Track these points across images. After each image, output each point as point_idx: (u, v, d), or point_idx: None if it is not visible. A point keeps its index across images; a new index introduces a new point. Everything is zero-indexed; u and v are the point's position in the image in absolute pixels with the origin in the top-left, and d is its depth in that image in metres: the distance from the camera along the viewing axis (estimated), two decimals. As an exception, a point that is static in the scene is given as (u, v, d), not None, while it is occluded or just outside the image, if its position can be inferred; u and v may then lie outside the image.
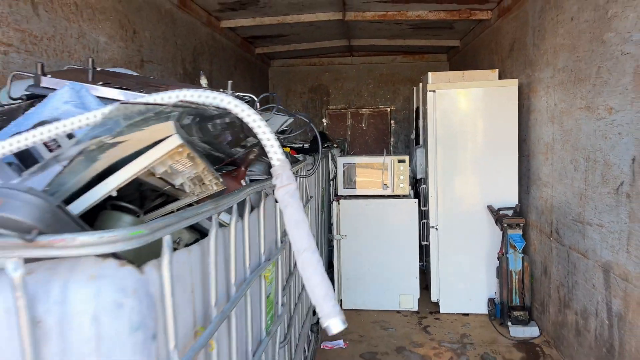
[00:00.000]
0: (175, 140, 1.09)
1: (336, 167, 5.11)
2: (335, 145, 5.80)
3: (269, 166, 2.17)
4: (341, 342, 4.12)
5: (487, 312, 4.62)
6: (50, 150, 1.20)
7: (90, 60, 1.74)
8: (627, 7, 2.78)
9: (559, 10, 3.73)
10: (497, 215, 4.41)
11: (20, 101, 1.60)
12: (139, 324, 0.92)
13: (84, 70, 1.73)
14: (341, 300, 4.90)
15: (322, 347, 4.04)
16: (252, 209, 1.74)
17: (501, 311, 4.38)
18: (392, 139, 9.19)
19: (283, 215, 1.09)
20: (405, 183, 4.84)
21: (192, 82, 5.03)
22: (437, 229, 4.74)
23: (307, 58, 9.08)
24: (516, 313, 4.21)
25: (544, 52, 4.08)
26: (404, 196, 4.87)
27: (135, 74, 2.24)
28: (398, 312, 4.78)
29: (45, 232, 0.84)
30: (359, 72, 9.25)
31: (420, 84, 5.39)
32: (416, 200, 4.82)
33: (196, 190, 1.47)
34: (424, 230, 4.94)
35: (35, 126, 1.19)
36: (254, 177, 2.08)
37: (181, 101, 1.02)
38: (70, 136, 1.21)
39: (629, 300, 2.79)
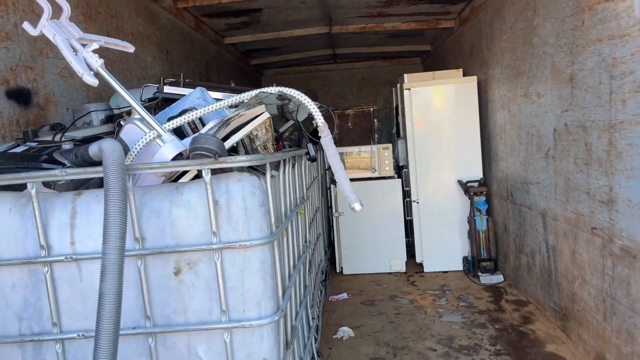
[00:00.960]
0: (266, 115, 2.00)
1: (331, 158, 6.03)
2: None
3: (298, 143, 3.10)
4: (345, 294, 5.04)
5: (462, 269, 5.57)
6: (189, 126, 2.10)
7: (181, 74, 2.64)
8: (546, 19, 3.76)
9: (502, 20, 4.72)
10: (466, 187, 5.37)
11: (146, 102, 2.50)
12: (262, 203, 1.84)
13: (177, 81, 2.63)
14: (342, 267, 5.81)
15: (330, 299, 4.94)
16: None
17: (473, 264, 5.34)
18: (376, 135, 10.16)
19: (325, 152, 2.01)
20: (390, 166, 5.78)
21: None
22: (417, 202, 5.68)
23: (297, 67, 10.02)
24: (484, 264, 5.18)
25: (494, 53, 5.06)
26: (390, 177, 5.81)
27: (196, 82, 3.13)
28: (389, 273, 5.71)
29: (221, 155, 1.75)
30: (343, 77, 10.22)
31: (398, 85, 6.34)
32: (399, 179, 5.77)
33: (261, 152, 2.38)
34: (408, 208, 5.87)
35: (182, 112, 2.10)
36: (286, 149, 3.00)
37: (278, 91, 1.93)
38: (200, 120, 2.12)
39: (557, 233, 3.76)
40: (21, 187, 1.89)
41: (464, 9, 6.04)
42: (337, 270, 5.82)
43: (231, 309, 1.82)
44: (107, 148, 1.66)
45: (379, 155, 5.80)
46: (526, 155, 4.33)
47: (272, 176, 2.28)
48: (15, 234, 1.83)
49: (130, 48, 2.16)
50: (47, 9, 1.88)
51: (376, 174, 5.80)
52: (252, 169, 2.04)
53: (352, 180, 5.68)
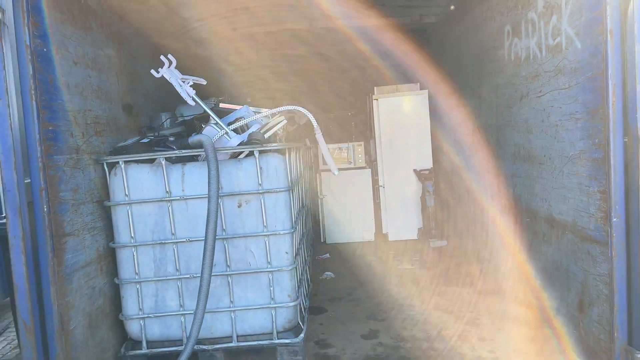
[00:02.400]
0: (284, 121, 3.54)
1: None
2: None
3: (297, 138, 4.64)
4: (327, 254, 6.58)
5: (417, 237, 7.16)
6: (240, 128, 3.61)
7: (227, 95, 4.15)
8: (467, 53, 5.35)
9: (443, 49, 6.32)
10: (419, 174, 6.95)
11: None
12: (285, 169, 3.37)
13: (225, 99, 4.12)
14: (325, 238, 7.35)
15: (316, 258, 6.47)
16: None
17: (425, 233, 6.93)
18: (354, 136, 11.72)
19: (318, 141, 3.55)
20: (362, 159, 7.34)
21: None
22: (384, 187, 7.25)
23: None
24: (433, 232, 6.77)
25: (440, 73, 6.65)
26: (362, 168, 7.36)
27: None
28: (362, 242, 7.26)
29: (263, 143, 3.28)
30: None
31: (371, 94, 7.89)
32: (370, 170, 7.33)
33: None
34: (377, 191, 7.41)
35: (235, 120, 3.63)
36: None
37: (294, 108, 3.46)
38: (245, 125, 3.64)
39: (475, 202, 5.35)
40: (151, 161, 3.39)
41: (421, 36, 7.63)
42: (322, 240, 7.35)
43: (268, 225, 3.34)
44: (205, 139, 3.17)
45: (354, 151, 7.36)
46: (458, 149, 5.93)
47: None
48: (150, 185, 3.32)
49: (203, 81, 3.67)
50: (166, 62, 3.39)
51: (352, 165, 7.36)
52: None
53: (333, 169, 7.28)
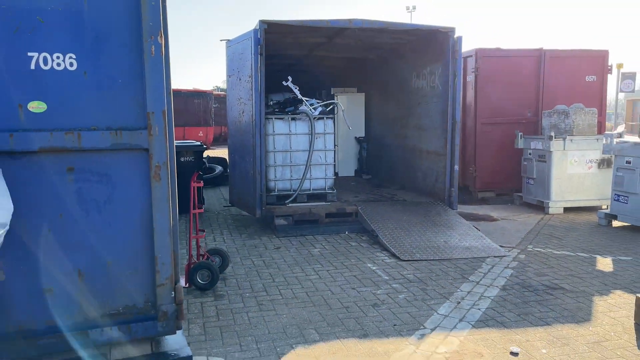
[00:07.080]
0: (332, 105, 8.51)
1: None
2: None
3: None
4: (310, 179, 11.54)
5: (354, 174, 12.37)
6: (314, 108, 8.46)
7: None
8: (391, 79, 10.60)
9: (375, 72, 11.54)
10: (358, 139, 12.16)
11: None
12: (333, 125, 8.33)
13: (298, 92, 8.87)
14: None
15: (304, 180, 11.39)
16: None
17: (360, 172, 12.17)
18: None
19: (343, 115, 8.53)
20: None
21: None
22: (337, 146, 12.32)
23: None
24: (364, 169, 12.04)
25: (374, 84, 11.87)
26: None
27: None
28: (323, 176, 12.30)
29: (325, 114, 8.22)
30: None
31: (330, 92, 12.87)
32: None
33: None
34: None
35: (310, 104, 8.54)
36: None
37: (333, 102, 8.38)
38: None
39: (393, 151, 10.67)
40: (282, 118, 8.13)
41: (364, 63, 12.76)
42: (300, 174, 12.28)
43: (326, 146, 8.29)
44: (306, 111, 8.06)
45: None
46: (383, 127, 11.21)
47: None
48: (282, 127, 8.08)
49: (297, 88, 8.48)
50: (290, 78, 8.16)
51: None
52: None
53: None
